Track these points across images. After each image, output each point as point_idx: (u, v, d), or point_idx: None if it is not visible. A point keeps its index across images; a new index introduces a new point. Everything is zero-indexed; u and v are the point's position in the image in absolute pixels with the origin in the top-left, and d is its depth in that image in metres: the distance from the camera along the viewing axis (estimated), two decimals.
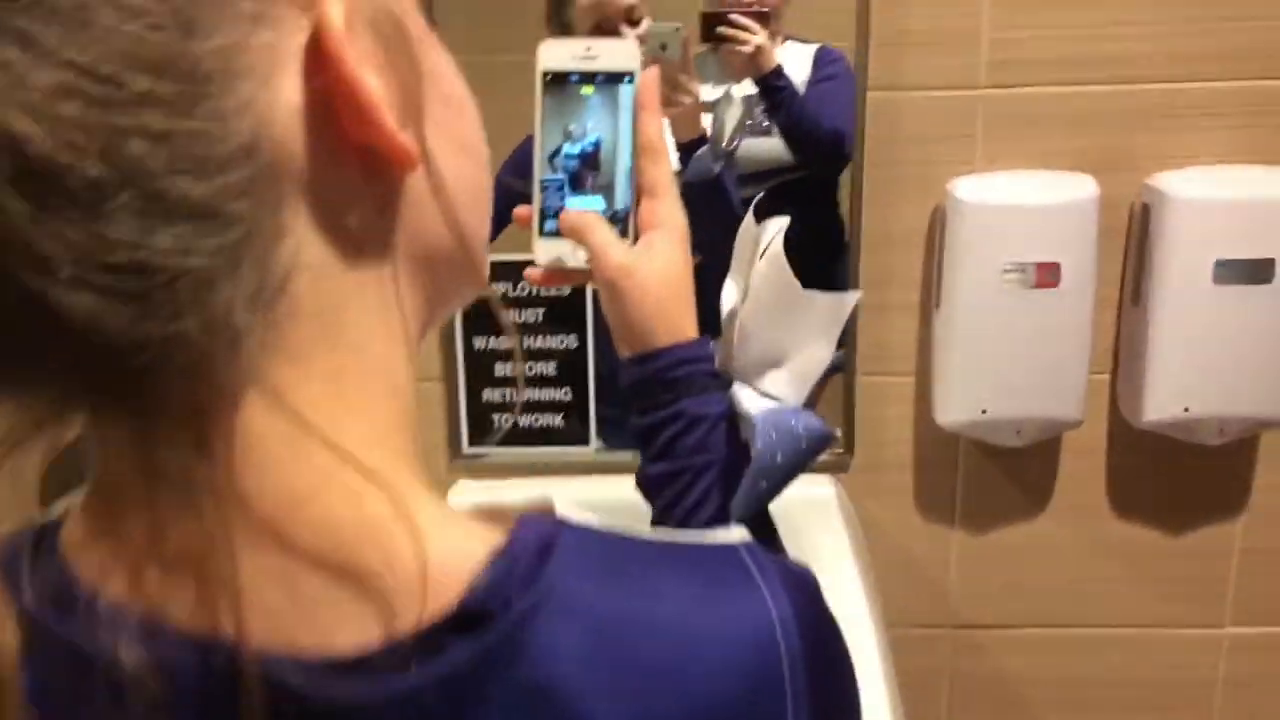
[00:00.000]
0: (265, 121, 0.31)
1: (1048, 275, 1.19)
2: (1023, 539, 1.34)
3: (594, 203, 0.70)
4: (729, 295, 0.72)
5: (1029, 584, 1.36)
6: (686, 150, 1.26)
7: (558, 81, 0.70)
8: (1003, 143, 1.25)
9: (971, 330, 1.22)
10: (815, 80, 1.28)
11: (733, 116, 1.31)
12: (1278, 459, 1.30)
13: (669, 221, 0.68)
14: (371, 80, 0.33)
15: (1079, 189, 1.20)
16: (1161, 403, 1.21)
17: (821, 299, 0.64)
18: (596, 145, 0.70)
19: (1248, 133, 1.22)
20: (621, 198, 0.69)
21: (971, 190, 1.21)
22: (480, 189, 0.42)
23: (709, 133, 1.27)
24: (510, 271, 1.16)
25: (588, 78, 0.70)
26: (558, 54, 0.70)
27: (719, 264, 1.20)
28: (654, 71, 0.68)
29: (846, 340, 1.29)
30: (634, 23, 1.27)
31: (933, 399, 1.27)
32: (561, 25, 1.29)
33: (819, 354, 0.64)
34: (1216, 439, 1.24)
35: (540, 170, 0.70)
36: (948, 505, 1.34)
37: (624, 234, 0.69)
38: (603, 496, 1.27)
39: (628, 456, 1.26)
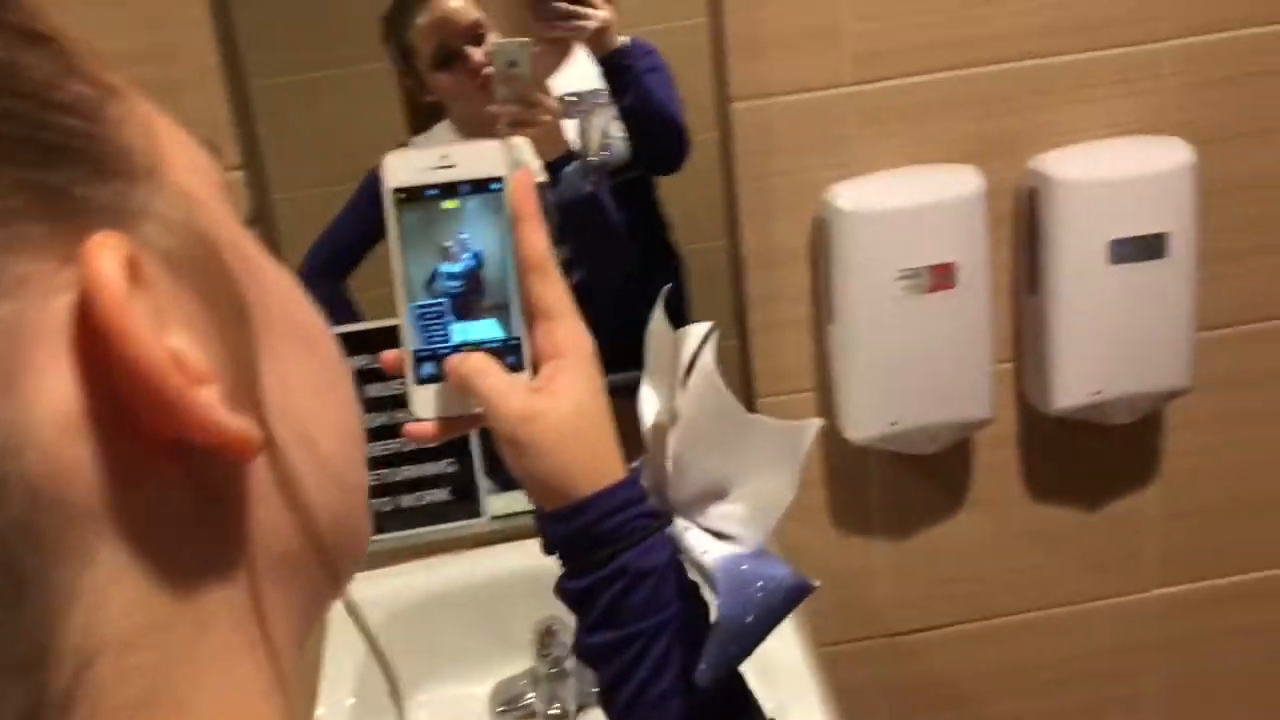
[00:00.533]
0: (15, 444, 0.22)
1: (943, 277, 1.14)
2: (944, 539, 1.31)
3: (489, 329, 0.60)
4: (649, 404, 0.64)
5: (955, 582, 1.33)
6: (554, 169, 1.17)
7: (414, 198, 0.59)
8: (878, 141, 1.19)
9: (871, 341, 1.16)
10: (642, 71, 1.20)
11: (598, 127, 1.22)
12: (1185, 426, 1.29)
13: (572, 347, 0.59)
14: (180, 346, 0.24)
15: (963, 183, 1.15)
16: (1071, 389, 1.19)
17: (773, 426, 0.56)
18: (479, 261, 0.60)
19: (1121, 103, 1.19)
20: (518, 322, 0.60)
21: (853, 198, 1.14)
22: (352, 433, 0.33)
23: (577, 146, 1.18)
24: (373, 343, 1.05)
25: (449, 190, 0.59)
26: (408, 168, 0.59)
27: (605, 286, 1.12)
28: (526, 176, 0.59)
29: (740, 360, 1.22)
30: (479, 41, 1.16)
31: (839, 414, 1.22)
32: (401, 47, 1.17)
33: (779, 490, 0.56)
34: (1128, 417, 1.22)
35: (406, 300, 0.60)
36: (865, 517, 1.30)
37: (519, 366, 0.60)
38: (500, 569, 1.21)
39: (523, 521, 1.17)
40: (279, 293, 0.31)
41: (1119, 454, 1.29)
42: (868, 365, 1.17)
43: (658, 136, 1.19)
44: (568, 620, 1.07)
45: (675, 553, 0.60)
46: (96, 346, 0.23)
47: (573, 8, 1.15)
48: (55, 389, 0.23)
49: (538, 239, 0.59)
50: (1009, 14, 1.15)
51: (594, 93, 1.20)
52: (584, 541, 0.58)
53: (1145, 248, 1.15)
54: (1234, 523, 1.33)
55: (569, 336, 0.59)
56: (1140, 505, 1.32)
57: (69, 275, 0.23)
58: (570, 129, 1.18)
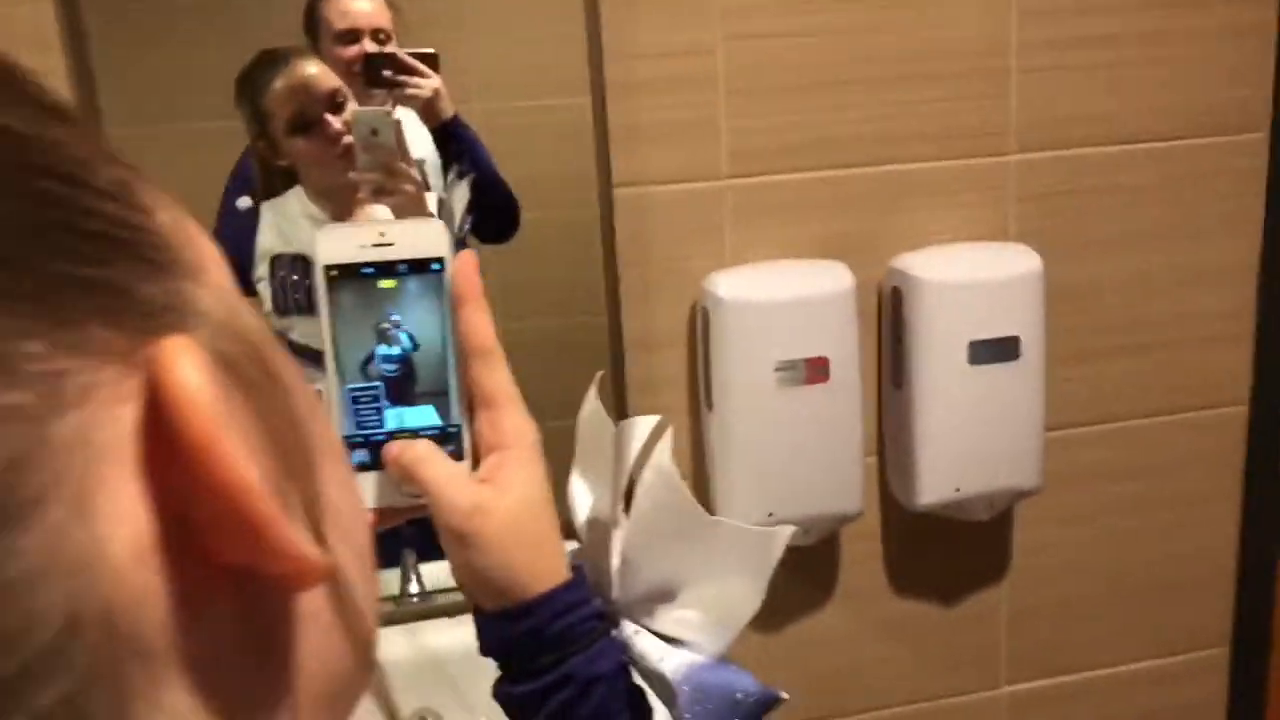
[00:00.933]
0: (90, 573, 0.19)
1: (818, 370, 1.15)
2: (811, 631, 1.31)
3: (425, 416, 0.56)
4: (582, 497, 0.61)
5: (817, 675, 1.32)
6: None
7: (349, 275, 0.55)
8: (751, 233, 1.21)
9: (747, 432, 1.16)
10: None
11: (460, 199, 1.20)
12: (1031, 523, 1.34)
13: (517, 438, 0.55)
14: (251, 465, 0.21)
15: (835, 278, 1.18)
16: (933, 485, 1.21)
17: (739, 530, 0.54)
18: (416, 344, 0.56)
19: (973, 210, 1.25)
20: (457, 408, 0.56)
21: (731, 288, 1.15)
22: (369, 550, 0.30)
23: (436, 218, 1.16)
24: None
25: (386, 268, 0.55)
26: (342, 244, 0.55)
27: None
28: (469, 257, 0.55)
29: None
30: (338, 108, 1.12)
31: (714, 505, 1.20)
32: (256, 111, 1.12)
33: (745, 598, 0.53)
34: (985, 514, 1.26)
35: (339, 383, 0.55)
36: None
37: (458, 455, 0.55)
38: (425, 646, 1.13)
39: (451, 599, 1.09)
40: (308, 398, 0.27)
41: (975, 550, 1.33)
42: (744, 455, 1.16)
43: (496, 206, 1.18)
44: (442, 712, 1.01)
45: (623, 658, 0.56)
46: (168, 463, 0.20)
47: (400, 77, 1.13)
48: (128, 510, 0.20)
49: (483, 323, 0.55)
50: (871, 119, 1.20)
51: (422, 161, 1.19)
52: (529, 645, 0.53)
53: (1000, 350, 1.20)
54: (1079, 620, 1.39)
55: (514, 426, 0.55)
56: (993, 601, 1.36)
57: (135, 383, 0.20)
58: (430, 200, 1.16)
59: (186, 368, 0.20)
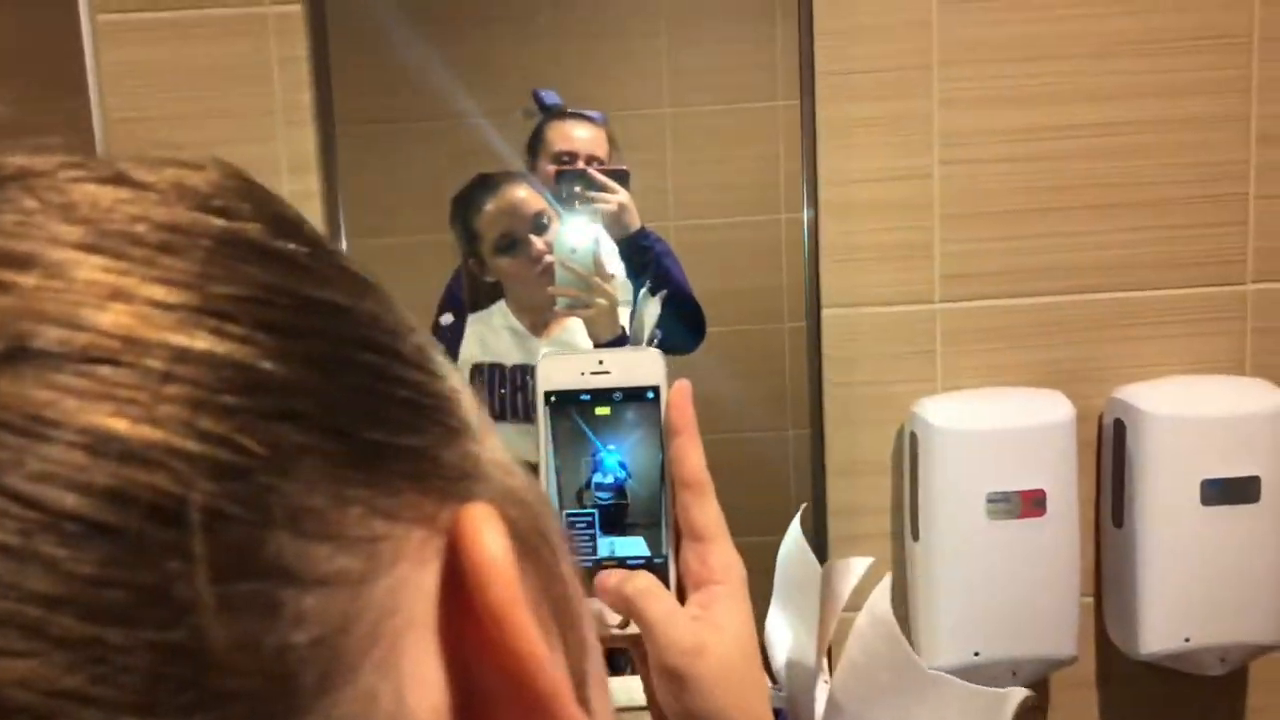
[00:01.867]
0: None
1: (1034, 504, 1.10)
2: None
3: (633, 545, 0.56)
4: (781, 635, 0.59)
5: None
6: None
7: (567, 401, 0.57)
8: (961, 358, 1.18)
9: (955, 565, 1.12)
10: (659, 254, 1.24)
11: (651, 314, 1.23)
12: (1268, 683, 1.23)
13: (728, 575, 0.54)
14: (541, 637, 0.21)
15: (1054, 408, 1.13)
16: (1159, 633, 1.13)
17: (965, 690, 0.51)
18: (628, 475, 0.56)
19: (1204, 340, 1.18)
20: (665, 541, 0.56)
21: (942, 413, 1.12)
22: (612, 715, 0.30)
23: (627, 331, 1.19)
24: None
25: (602, 396, 0.57)
26: (563, 371, 0.57)
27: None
28: (683, 388, 0.56)
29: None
30: (542, 229, 1.19)
31: (915, 637, 1.16)
32: (467, 230, 1.20)
33: None
34: (1219, 669, 1.16)
35: (556, 509, 0.56)
36: None
37: (665, 587, 0.55)
38: None
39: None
40: (572, 561, 0.27)
41: (1204, 708, 1.23)
42: (951, 589, 1.12)
43: (684, 318, 1.20)
44: None
45: None
46: (462, 630, 0.21)
47: (590, 192, 1.18)
48: (431, 677, 0.20)
49: (695, 455, 0.55)
50: (1095, 245, 1.16)
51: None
52: None
53: (1238, 490, 1.11)
54: None
55: (724, 562, 0.54)
56: None
57: (437, 547, 0.21)
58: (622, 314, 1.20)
59: (489, 535, 0.21)
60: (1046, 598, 1.12)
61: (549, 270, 1.18)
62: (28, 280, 0.18)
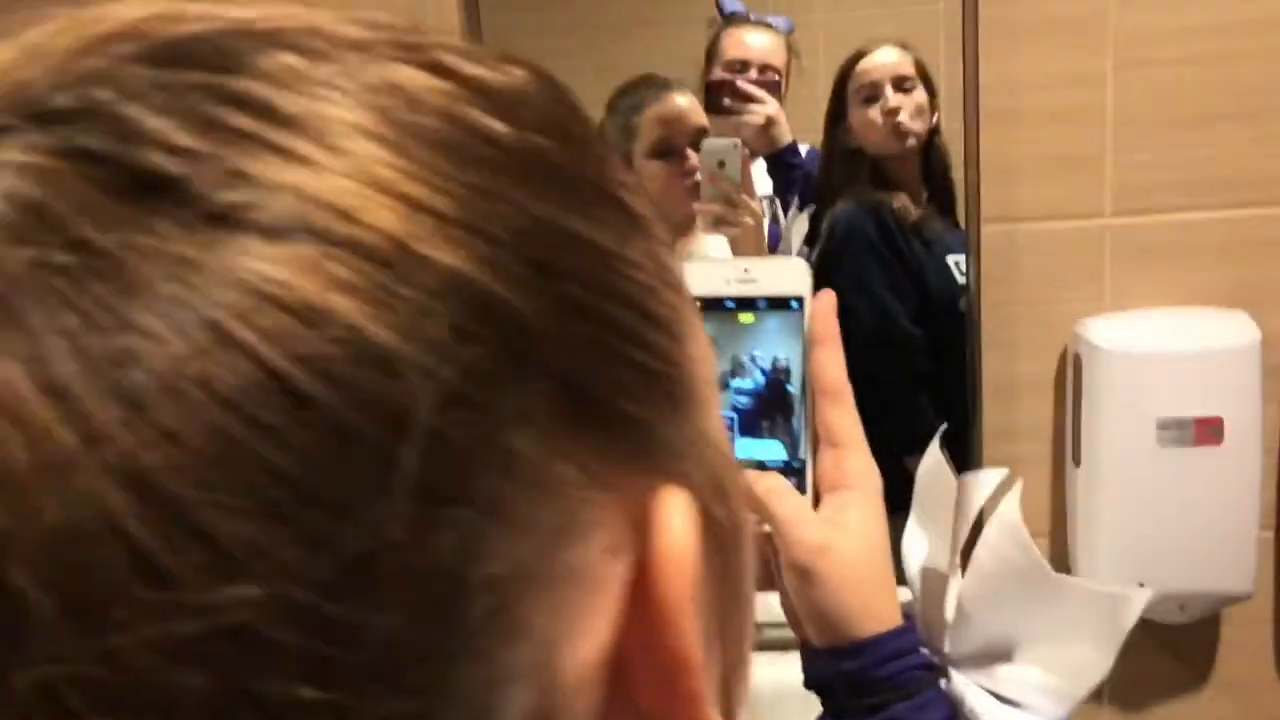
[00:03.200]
0: (548, 688, 0.20)
1: (1210, 432, 1.04)
2: (1181, 715, 1.17)
3: (771, 449, 0.56)
4: (917, 546, 0.58)
5: None
6: None
7: (711, 307, 0.56)
8: (1133, 277, 1.11)
9: (1122, 493, 1.06)
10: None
11: (798, 232, 1.20)
12: None
13: (861, 480, 0.54)
14: (699, 643, 0.21)
15: (1237, 330, 1.05)
16: None
17: (1091, 591, 0.49)
18: (770, 380, 0.56)
19: None
20: (804, 446, 0.55)
21: (1111, 335, 1.06)
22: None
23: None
24: None
25: (747, 303, 0.56)
26: (710, 278, 0.57)
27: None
28: (829, 298, 0.55)
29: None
30: (697, 145, 1.16)
31: (1074, 566, 1.11)
32: (625, 126, 1.17)
33: (1093, 662, 0.49)
34: None
35: None
36: None
37: (801, 491, 0.55)
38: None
39: (771, 635, 1.09)
40: (752, 559, 0.27)
41: None
42: (1115, 518, 1.07)
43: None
44: None
45: (949, 712, 0.53)
46: (633, 609, 0.21)
47: (737, 103, 1.14)
48: (591, 640, 0.20)
49: (836, 364, 0.55)
50: None
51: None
52: (855, 685, 0.52)
53: None
54: None
55: (859, 468, 0.54)
56: None
57: (631, 522, 0.21)
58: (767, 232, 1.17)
59: (680, 527, 0.21)
60: (1221, 530, 1.05)
61: (697, 187, 1.14)
62: (312, 154, 0.18)
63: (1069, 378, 1.11)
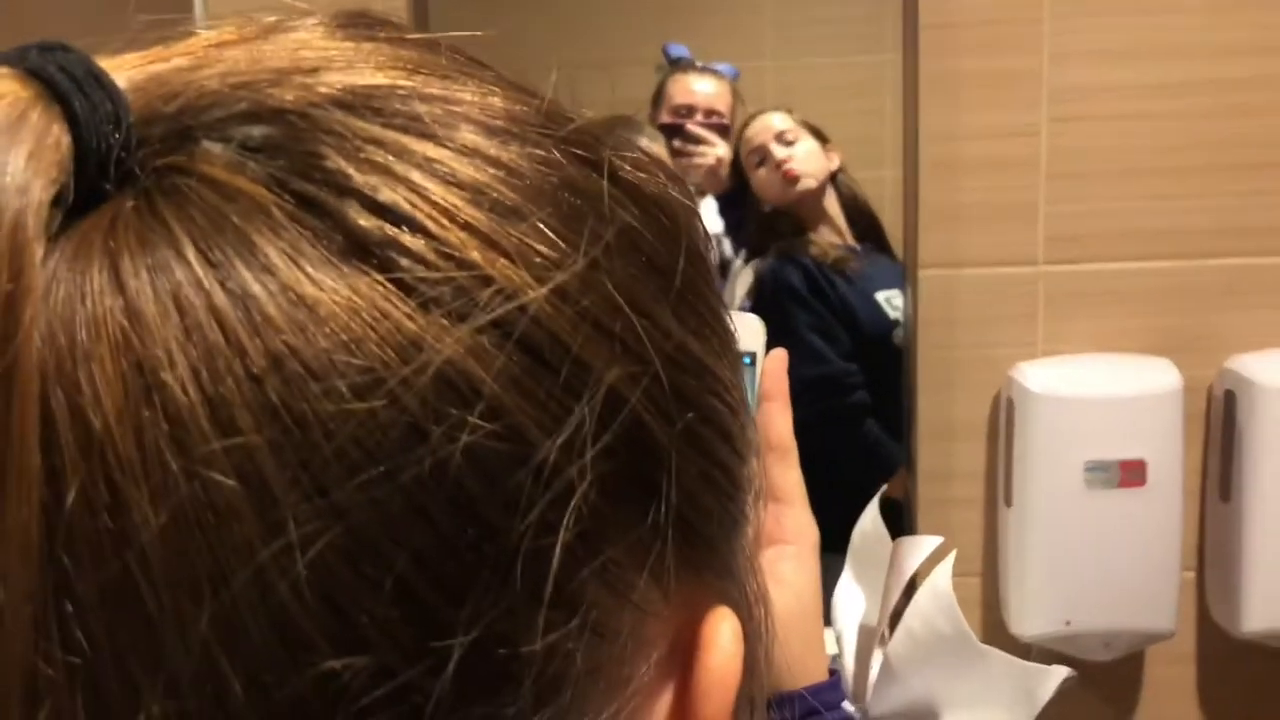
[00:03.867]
0: None
1: (1134, 474, 1.07)
2: None
3: None
4: (850, 602, 0.60)
5: None
6: None
7: None
8: (1065, 323, 1.15)
9: (1051, 533, 1.10)
10: None
11: (744, 281, 1.23)
12: None
13: (800, 537, 0.55)
14: None
15: (1160, 376, 1.09)
16: (1263, 612, 1.09)
17: (1013, 665, 0.52)
18: None
19: None
20: None
21: (1040, 379, 1.10)
22: None
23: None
24: None
25: None
26: None
27: None
28: (780, 356, 0.56)
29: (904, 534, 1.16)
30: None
31: (1005, 607, 1.14)
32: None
33: None
34: None
35: None
36: None
37: None
38: None
39: None
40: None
41: None
42: (1045, 557, 1.10)
43: None
44: None
45: None
46: (674, 711, 0.22)
47: (688, 146, 1.17)
48: None
49: (783, 420, 0.56)
50: (1210, 209, 1.11)
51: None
52: None
53: None
54: None
55: (797, 525, 0.56)
56: None
57: (681, 635, 0.22)
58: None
59: (728, 648, 0.22)
60: (1145, 570, 1.09)
61: None
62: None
63: (1001, 420, 1.14)
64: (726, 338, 0.23)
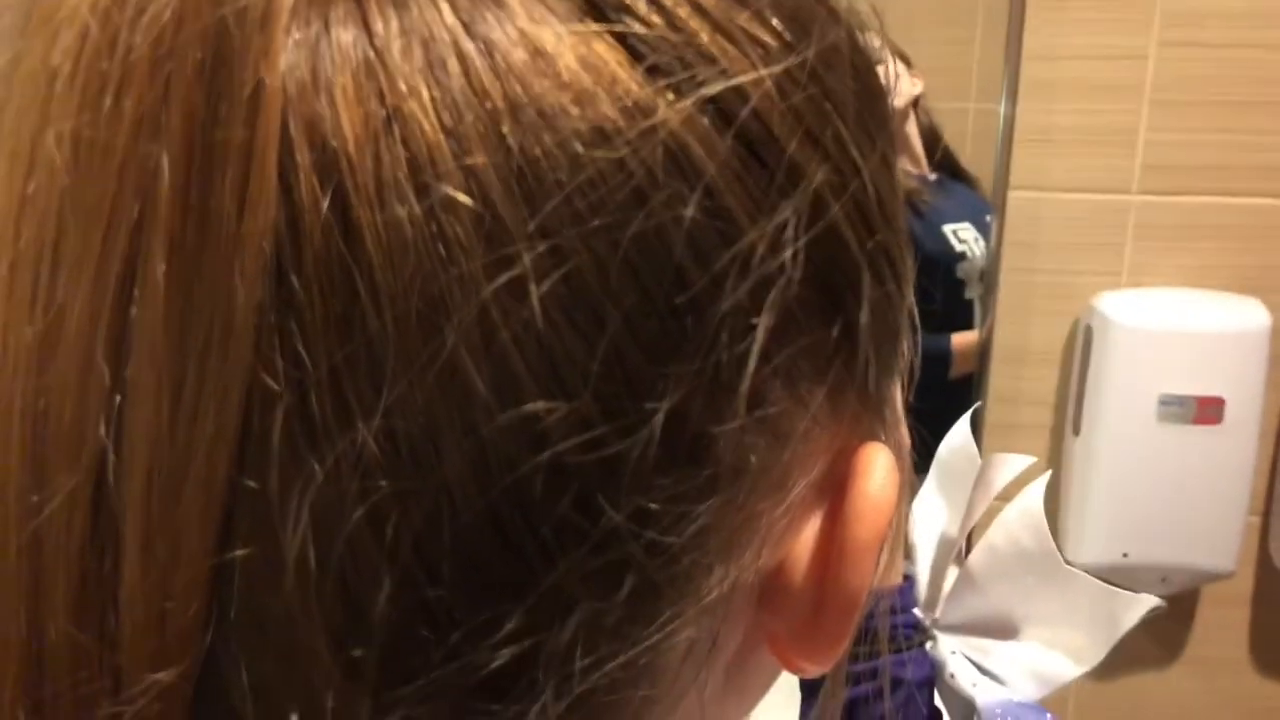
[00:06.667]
0: (721, 611, 0.21)
1: (1209, 411, 1.06)
2: (1145, 691, 1.21)
3: None
4: (932, 515, 0.60)
5: None
6: None
7: None
8: (1153, 255, 1.12)
9: (1117, 464, 1.09)
10: None
11: None
12: None
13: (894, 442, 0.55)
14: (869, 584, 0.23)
15: (1247, 315, 1.07)
16: None
17: (1100, 589, 0.52)
18: None
19: None
20: None
21: (1123, 309, 1.08)
22: None
23: None
24: None
25: None
26: None
27: None
28: None
29: None
30: None
31: (1063, 534, 1.14)
32: None
33: (1085, 652, 0.51)
34: None
35: None
36: None
37: None
38: None
39: None
40: None
41: None
42: (1109, 488, 1.09)
43: None
44: None
45: (932, 674, 0.56)
46: (822, 535, 0.22)
47: None
48: (792, 540, 0.22)
49: None
50: None
51: None
52: None
53: None
54: None
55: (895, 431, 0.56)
56: None
57: (839, 457, 0.22)
58: None
59: (882, 479, 0.22)
60: (1210, 508, 1.08)
61: None
62: None
63: (1078, 348, 1.13)
64: (897, 179, 0.23)
